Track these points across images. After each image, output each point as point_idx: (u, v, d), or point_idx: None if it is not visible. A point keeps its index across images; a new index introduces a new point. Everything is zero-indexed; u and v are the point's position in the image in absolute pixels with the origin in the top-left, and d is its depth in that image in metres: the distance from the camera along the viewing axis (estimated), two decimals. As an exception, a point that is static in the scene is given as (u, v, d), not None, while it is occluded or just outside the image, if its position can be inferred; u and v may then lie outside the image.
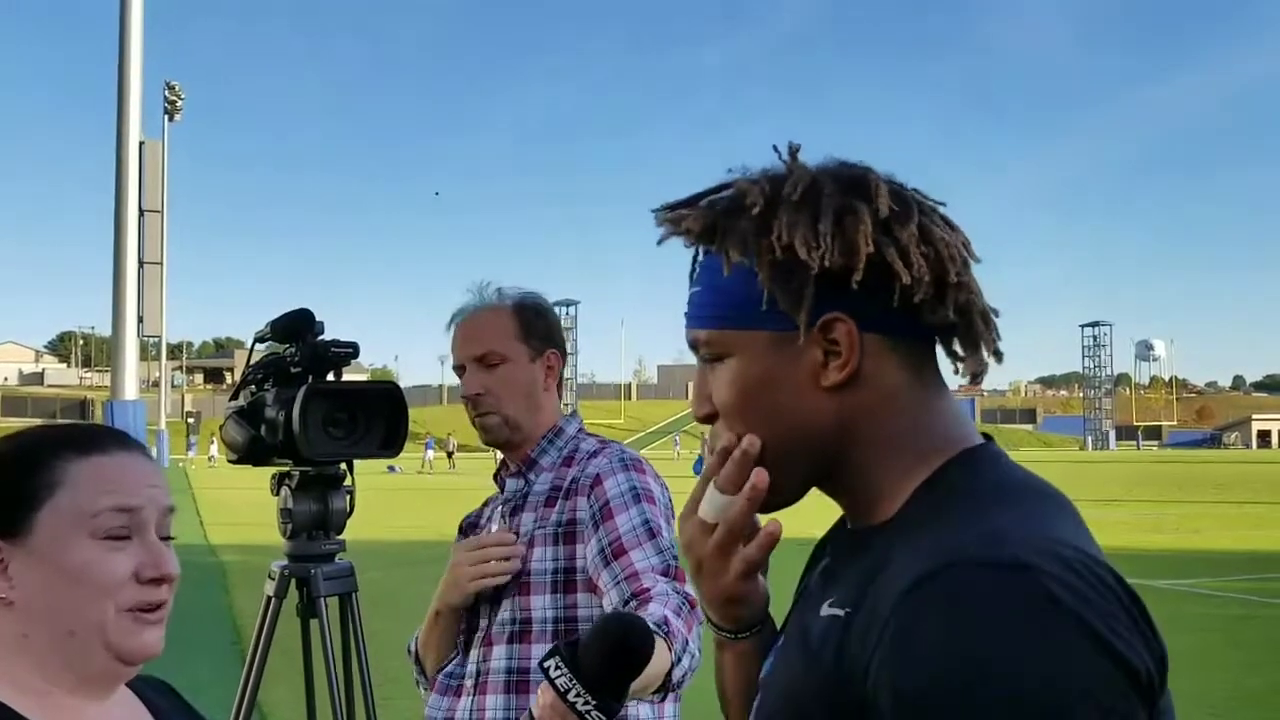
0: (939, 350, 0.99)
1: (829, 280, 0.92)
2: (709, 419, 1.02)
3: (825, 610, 0.91)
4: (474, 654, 2.05)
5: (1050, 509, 0.90)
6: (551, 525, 1.99)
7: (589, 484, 1.99)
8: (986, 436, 1.00)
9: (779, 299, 0.94)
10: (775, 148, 1.00)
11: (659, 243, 1.01)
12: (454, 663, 2.08)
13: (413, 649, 2.17)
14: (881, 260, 0.92)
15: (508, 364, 2.08)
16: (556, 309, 2.33)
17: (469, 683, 2.03)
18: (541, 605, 1.96)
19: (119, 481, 1.16)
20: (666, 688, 1.74)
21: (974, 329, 0.96)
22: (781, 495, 1.00)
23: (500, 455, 2.19)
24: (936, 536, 0.85)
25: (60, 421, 1.35)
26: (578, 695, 1.25)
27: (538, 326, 2.11)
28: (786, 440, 0.97)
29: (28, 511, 1.13)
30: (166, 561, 1.16)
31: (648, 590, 1.84)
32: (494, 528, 2.10)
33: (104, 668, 1.14)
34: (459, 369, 2.12)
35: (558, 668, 1.26)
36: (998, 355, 0.99)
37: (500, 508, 2.11)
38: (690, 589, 1.85)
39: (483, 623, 2.05)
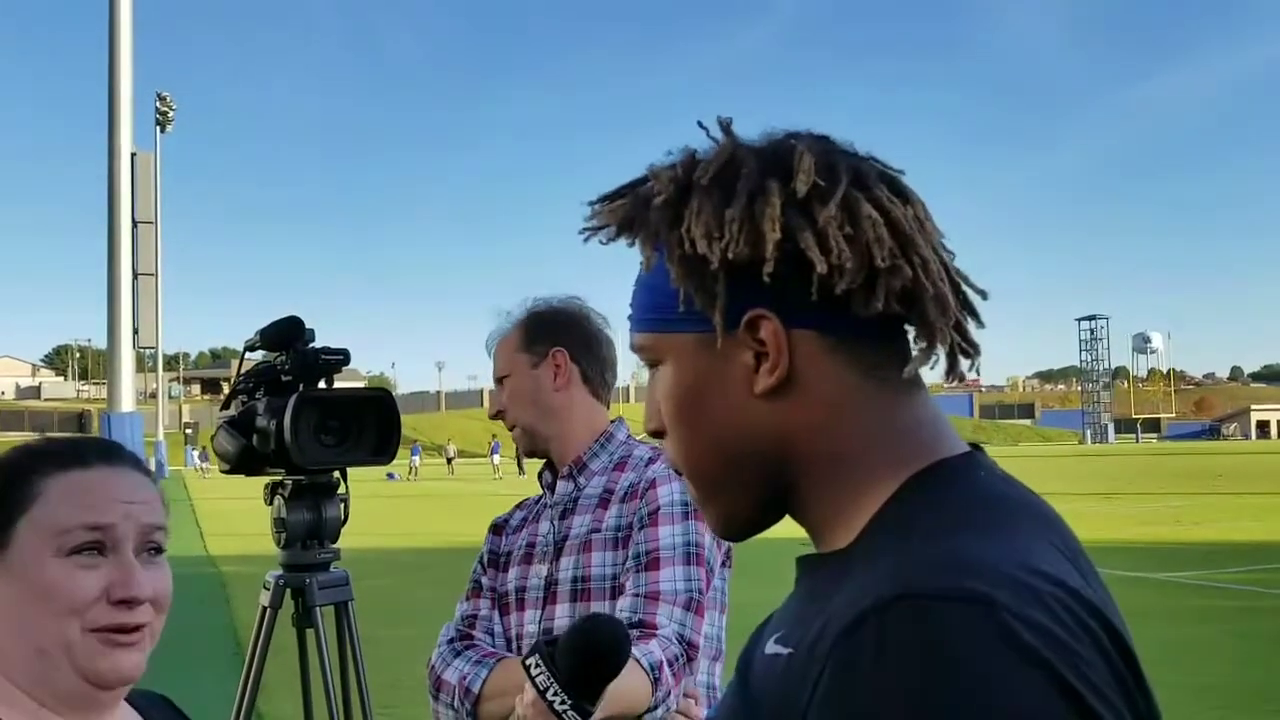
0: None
1: (746, 273, 0.81)
2: (657, 434, 0.92)
3: (770, 647, 0.81)
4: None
5: (1029, 529, 0.78)
6: (610, 530, 1.98)
7: (646, 488, 1.98)
8: (975, 446, 0.88)
9: (694, 298, 0.84)
10: (701, 124, 0.88)
11: (584, 240, 0.90)
12: None
13: (476, 690, 2.01)
14: (796, 248, 0.80)
15: (511, 378, 2.12)
16: None
17: None
18: (601, 610, 1.92)
19: (93, 496, 1.12)
20: None
21: (926, 319, 0.82)
22: (738, 521, 0.91)
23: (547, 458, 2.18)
24: (888, 565, 0.73)
25: (54, 435, 1.33)
26: (555, 694, 1.26)
27: (539, 332, 2.11)
28: (730, 456, 0.87)
29: (5, 526, 1.11)
30: (136, 582, 1.10)
31: (656, 626, 1.83)
32: (542, 527, 2.09)
33: (77, 690, 1.10)
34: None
35: (538, 666, 1.27)
36: (964, 350, 0.85)
37: (549, 510, 2.10)
38: (697, 633, 1.86)
39: (531, 629, 2.02)
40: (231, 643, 8.99)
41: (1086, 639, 0.69)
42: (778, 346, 0.82)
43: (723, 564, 1.99)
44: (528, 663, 1.29)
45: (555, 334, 2.11)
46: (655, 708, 1.75)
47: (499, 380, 2.15)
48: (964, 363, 0.86)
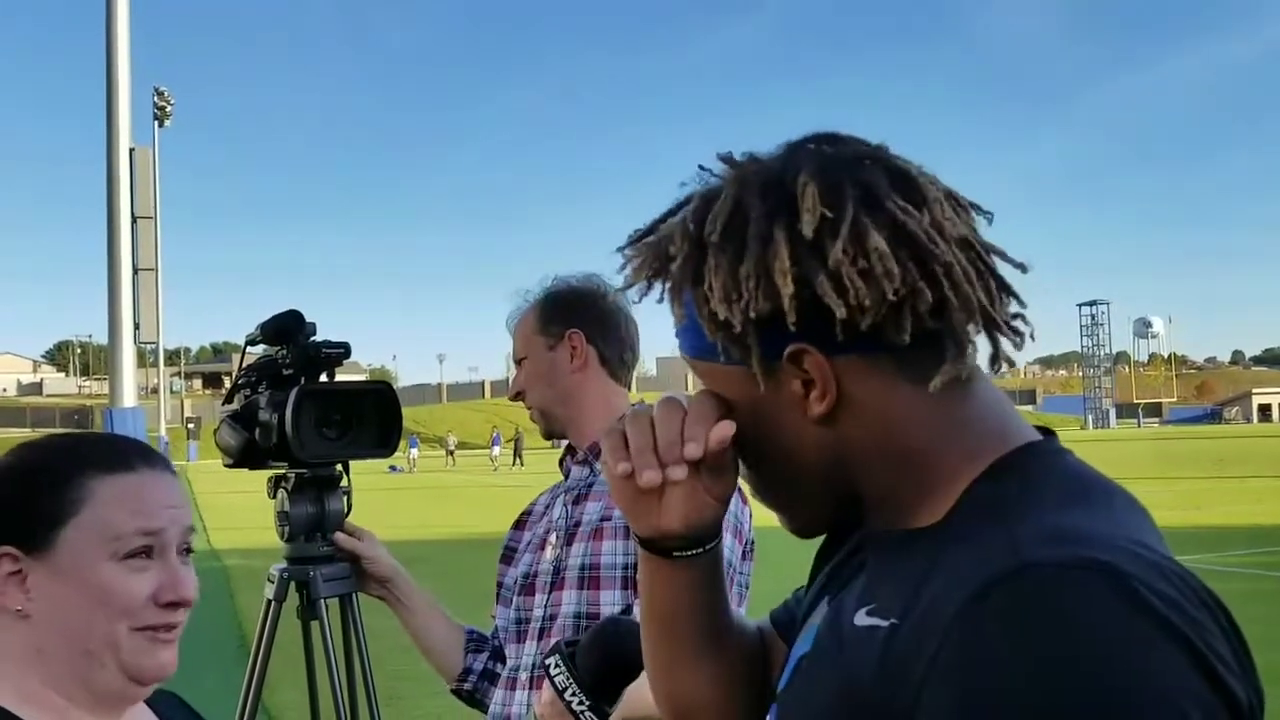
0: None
1: (774, 322, 0.82)
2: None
3: (862, 619, 0.81)
4: (529, 645, 2.03)
5: (1124, 508, 0.80)
6: (621, 518, 1.93)
7: None
8: (1046, 431, 0.90)
9: (729, 349, 0.85)
10: (702, 167, 0.89)
11: (624, 290, 0.92)
12: (510, 657, 2.08)
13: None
14: (812, 295, 0.80)
15: (527, 359, 2.10)
16: None
17: (523, 676, 2.01)
18: (611, 600, 1.91)
19: (144, 502, 1.15)
20: None
21: (954, 329, 0.83)
22: (814, 527, 0.94)
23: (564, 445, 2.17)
24: (999, 539, 0.75)
25: (83, 432, 1.34)
26: (574, 695, 1.26)
27: (555, 313, 2.09)
28: (797, 477, 0.89)
29: (51, 527, 1.12)
30: (185, 585, 1.15)
31: None
32: (555, 512, 2.08)
33: (117, 687, 1.14)
34: None
35: (557, 666, 1.28)
36: (1007, 335, 0.85)
37: (563, 495, 2.08)
38: None
39: (538, 613, 2.02)
40: (236, 636, 9.01)
41: (1207, 612, 0.71)
42: (823, 376, 0.83)
43: (744, 557, 1.95)
44: (547, 663, 1.30)
45: (571, 315, 2.08)
46: None
47: (518, 361, 2.13)
48: (1007, 347, 0.86)
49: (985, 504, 0.81)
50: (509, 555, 2.18)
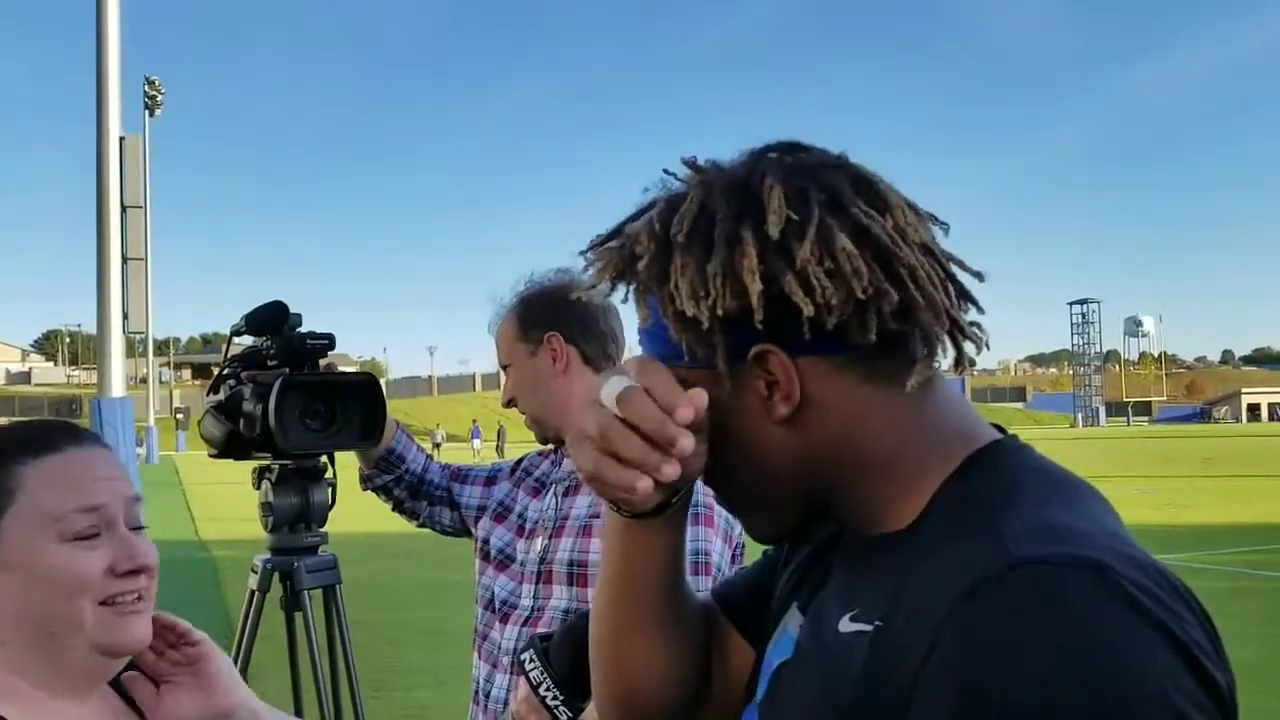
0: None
1: (740, 320, 0.82)
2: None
3: (846, 625, 0.81)
4: (510, 630, 2.04)
5: (1095, 504, 0.81)
6: None
7: None
8: (999, 429, 0.91)
9: (695, 349, 0.84)
10: (667, 171, 0.90)
11: (587, 290, 0.92)
12: (493, 631, 2.10)
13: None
14: (779, 293, 0.80)
15: (512, 368, 2.11)
16: None
17: (505, 659, 2.03)
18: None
19: (78, 480, 1.13)
20: None
21: (923, 328, 0.83)
22: (780, 531, 0.94)
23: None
24: (984, 537, 0.75)
25: (6, 423, 1.32)
26: (548, 689, 1.27)
27: (531, 318, 2.08)
28: (761, 479, 0.88)
29: None
30: (141, 553, 1.14)
31: None
32: (545, 501, 2.09)
33: (90, 664, 1.13)
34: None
35: (532, 661, 1.28)
36: (968, 339, 0.86)
37: (554, 486, 2.09)
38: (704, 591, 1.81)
39: (525, 602, 2.03)
40: (223, 626, 8.98)
41: (1185, 607, 0.73)
42: (787, 376, 0.83)
43: (733, 560, 1.94)
44: (523, 658, 1.31)
45: (547, 318, 2.06)
46: None
47: (505, 369, 2.13)
48: (970, 350, 0.87)
49: (961, 503, 0.81)
50: (502, 514, 2.21)
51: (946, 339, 0.85)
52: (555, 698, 1.28)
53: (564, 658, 1.28)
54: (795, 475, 0.87)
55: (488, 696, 2.07)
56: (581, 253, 0.93)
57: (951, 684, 0.70)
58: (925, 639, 0.72)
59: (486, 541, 2.21)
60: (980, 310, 0.88)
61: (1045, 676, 0.67)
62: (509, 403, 2.13)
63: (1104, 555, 0.71)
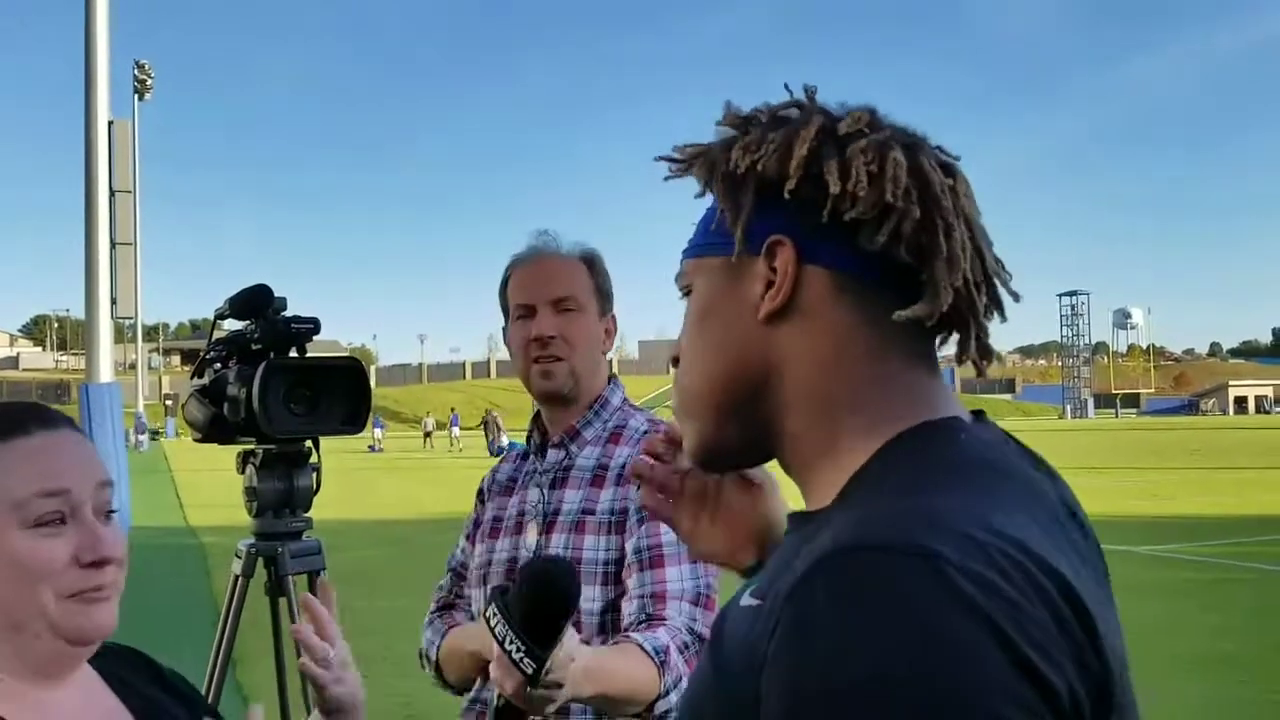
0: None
1: (773, 193, 0.85)
2: (675, 361, 0.95)
3: (746, 600, 0.81)
4: None
5: (1001, 493, 0.77)
6: (604, 513, 1.89)
7: None
8: (977, 414, 0.89)
9: (726, 213, 0.88)
10: (786, 86, 0.92)
11: (666, 179, 0.94)
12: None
13: (433, 657, 2.03)
14: (819, 172, 0.83)
15: (583, 314, 1.97)
16: None
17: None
18: (591, 597, 1.85)
19: (43, 465, 1.11)
20: (645, 716, 1.71)
21: (933, 275, 0.83)
22: (716, 448, 0.93)
23: (537, 416, 2.06)
24: (853, 517, 0.75)
25: None
26: (511, 642, 1.24)
27: (605, 285, 2.03)
28: (723, 376, 0.89)
29: None
30: (105, 543, 1.11)
31: (665, 618, 1.77)
32: (531, 495, 1.99)
33: (56, 653, 1.11)
34: (525, 310, 1.97)
35: (495, 616, 1.26)
36: (978, 331, 0.86)
37: (539, 477, 2.00)
38: (708, 628, 1.78)
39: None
40: (212, 613, 8.96)
41: (1034, 595, 0.69)
42: (786, 272, 0.85)
43: None
44: (487, 615, 1.28)
45: (612, 296, 2.05)
46: (667, 693, 1.68)
47: (557, 303, 1.95)
48: (976, 347, 0.87)
49: (867, 485, 0.81)
50: (478, 531, 2.10)
51: (954, 307, 0.84)
52: (519, 650, 1.25)
53: (522, 602, 1.26)
54: (752, 386, 0.88)
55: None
56: (675, 146, 0.94)
57: (784, 668, 0.70)
58: (774, 619, 0.72)
59: (461, 563, 2.12)
60: (1004, 318, 0.89)
61: (862, 666, 0.66)
62: (550, 338, 1.93)
63: (941, 544, 0.68)
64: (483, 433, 40.86)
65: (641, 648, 1.67)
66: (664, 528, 1.80)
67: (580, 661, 1.41)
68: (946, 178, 0.86)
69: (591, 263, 2.01)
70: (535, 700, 1.33)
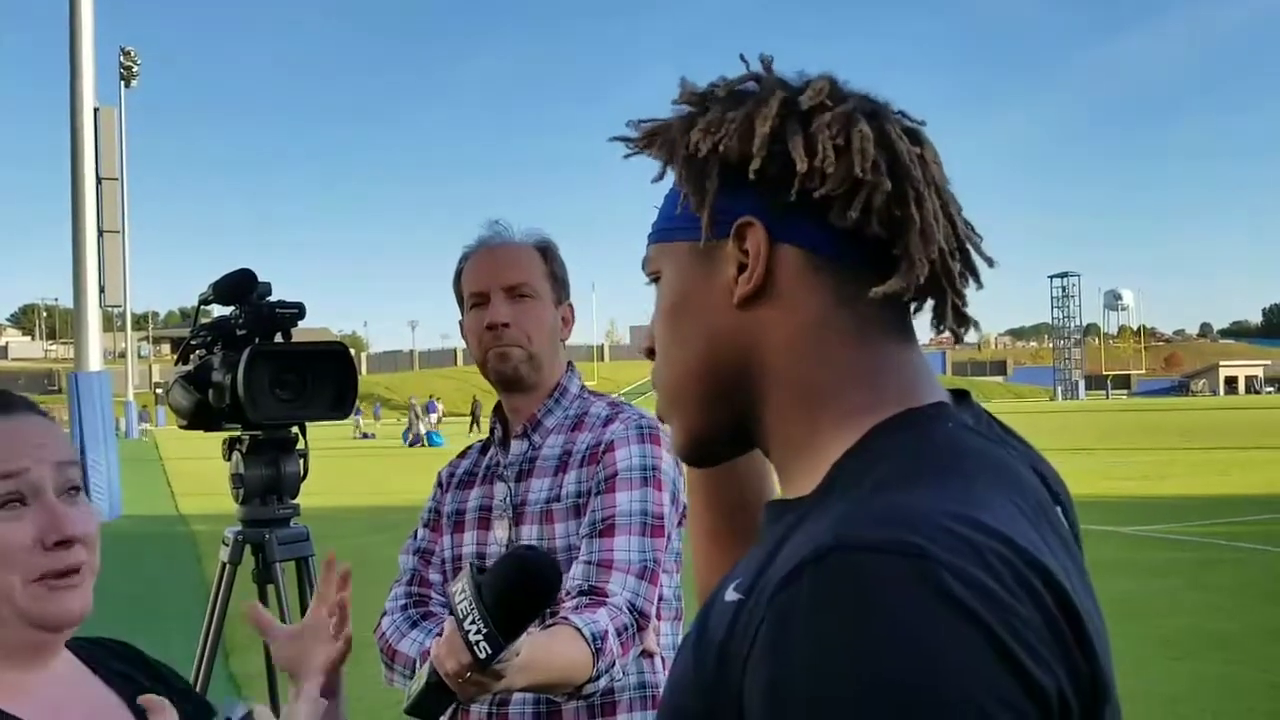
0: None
1: (737, 174, 0.82)
2: (650, 353, 0.92)
3: (729, 594, 0.78)
4: None
5: (985, 484, 0.75)
6: (570, 497, 1.88)
7: (604, 451, 1.88)
8: (961, 394, 0.87)
9: (690, 197, 0.85)
10: (742, 57, 0.89)
11: (626, 156, 0.91)
12: None
13: (387, 647, 1.99)
14: (784, 150, 0.80)
15: (537, 300, 1.96)
16: None
17: None
18: (566, 583, 1.81)
19: (1, 447, 1.09)
20: (575, 695, 1.70)
21: (908, 248, 0.81)
22: (700, 441, 0.90)
23: (498, 408, 2.03)
24: (833, 516, 0.72)
25: None
26: (473, 622, 1.23)
27: (560, 273, 2.02)
28: (702, 366, 0.86)
29: None
30: (69, 522, 1.09)
31: (607, 595, 1.75)
32: (498, 490, 1.96)
33: (26, 639, 1.10)
34: (479, 298, 1.96)
35: (463, 594, 1.25)
36: (955, 299, 0.84)
37: (504, 470, 1.97)
38: (650, 601, 1.79)
39: None
40: (202, 601, 8.92)
41: (1024, 595, 0.67)
42: (758, 254, 0.83)
43: (679, 523, 1.91)
44: (452, 590, 1.26)
45: (568, 284, 2.04)
46: (598, 678, 1.67)
47: (511, 290, 1.94)
48: (953, 316, 0.85)
49: (848, 476, 0.78)
50: (437, 520, 2.04)
51: (929, 278, 0.82)
52: (479, 632, 1.23)
53: (498, 588, 1.24)
54: (731, 373, 0.85)
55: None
56: (629, 122, 0.91)
57: (766, 669, 0.68)
58: (757, 618, 0.70)
59: (428, 551, 2.06)
60: (979, 285, 0.87)
61: (846, 666, 0.64)
62: (505, 325, 1.92)
63: (930, 542, 0.66)
64: (470, 417, 40.52)
65: (580, 633, 1.66)
66: (619, 496, 1.83)
67: (521, 655, 1.38)
68: (913, 145, 0.84)
69: (545, 250, 2.01)
70: (468, 685, 1.31)
